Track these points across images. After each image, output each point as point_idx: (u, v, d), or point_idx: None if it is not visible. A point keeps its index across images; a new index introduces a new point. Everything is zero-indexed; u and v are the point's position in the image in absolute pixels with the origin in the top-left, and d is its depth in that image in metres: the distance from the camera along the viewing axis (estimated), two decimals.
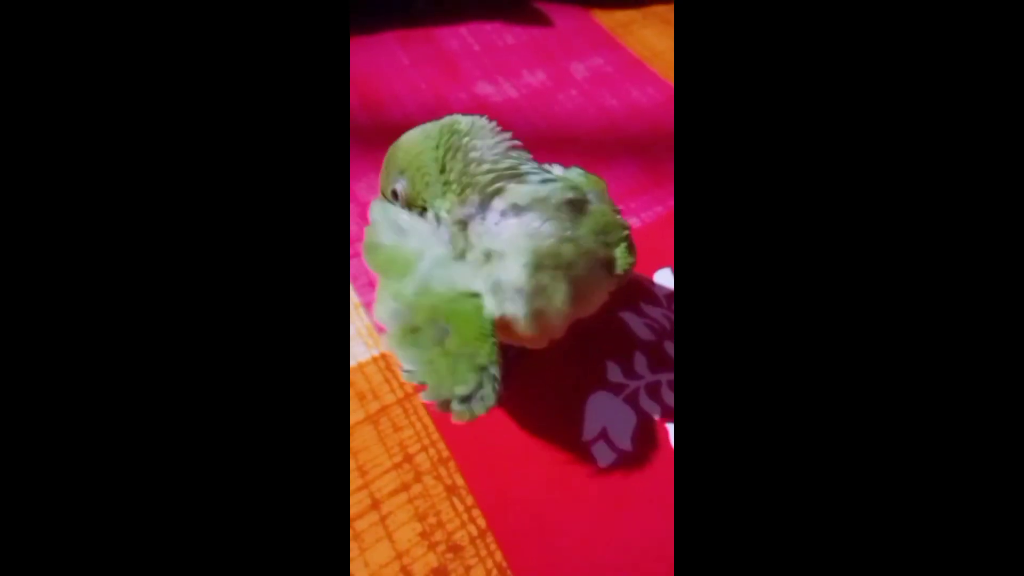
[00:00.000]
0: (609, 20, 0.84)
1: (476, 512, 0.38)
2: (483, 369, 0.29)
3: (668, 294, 0.52)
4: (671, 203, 0.60)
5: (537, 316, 0.32)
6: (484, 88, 0.70)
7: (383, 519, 0.37)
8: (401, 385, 0.43)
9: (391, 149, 0.36)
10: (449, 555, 0.36)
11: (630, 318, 0.50)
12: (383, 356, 0.45)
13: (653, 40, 0.81)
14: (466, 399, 0.29)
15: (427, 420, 0.42)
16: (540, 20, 0.82)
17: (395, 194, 0.35)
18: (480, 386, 0.29)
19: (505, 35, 0.78)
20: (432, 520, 0.37)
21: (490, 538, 0.37)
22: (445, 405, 0.30)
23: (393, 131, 0.63)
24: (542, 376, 0.45)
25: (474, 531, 0.37)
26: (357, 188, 0.57)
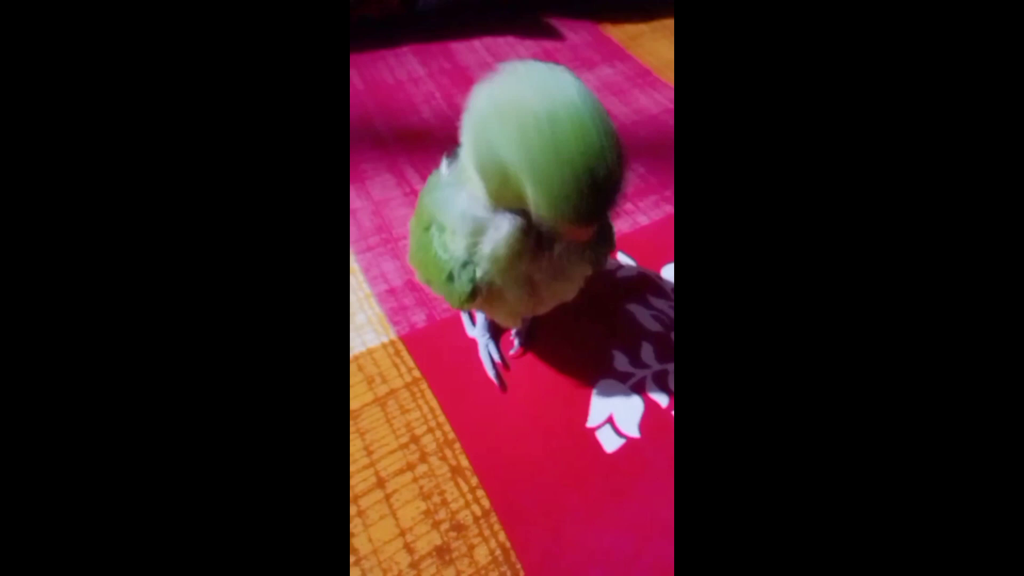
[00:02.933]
0: (619, 33, 0.86)
1: (480, 492, 0.38)
2: (454, 259, 0.33)
3: (674, 287, 0.52)
4: None
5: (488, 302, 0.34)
6: None
7: (388, 497, 0.37)
8: (409, 370, 0.44)
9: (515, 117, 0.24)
10: (452, 534, 0.36)
11: (637, 310, 0.50)
12: (392, 343, 0.46)
13: (662, 51, 0.83)
14: (448, 279, 0.33)
15: (434, 403, 0.42)
16: (552, 34, 0.85)
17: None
18: (453, 268, 0.32)
19: (518, 48, 0.81)
20: (436, 499, 0.38)
21: (494, 518, 0.37)
22: (439, 289, 0.34)
23: (406, 136, 0.66)
24: (549, 364, 0.45)
25: (478, 511, 0.37)
26: (371, 187, 0.59)
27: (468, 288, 0.32)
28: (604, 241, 0.36)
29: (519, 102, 0.24)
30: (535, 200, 0.24)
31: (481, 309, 0.36)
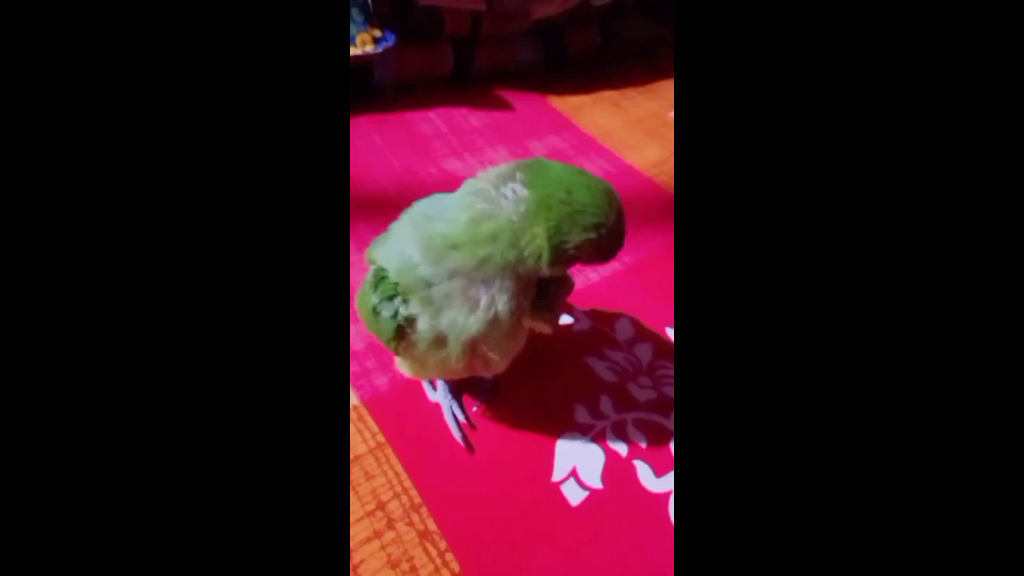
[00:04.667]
0: (563, 104, 0.93)
1: (450, 556, 0.38)
2: (380, 294, 0.35)
3: (627, 339, 0.55)
4: (626, 259, 0.64)
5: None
6: (452, 164, 0.76)
7: (355, 568, 0.37)
8: (373, 435, 0.44)
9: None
10: None
11: (595, 363, 0.52)
12: (354, 408, 0.46)
13: (603, 121, 0.90)
14: (374, 313, 0.35)
15: (399, 468, 0.42)
16: (502, 105, 0.91)
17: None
18: (379, 303, 0.35)
19: (471, 118, 0.86)
20: (405, 566, 0.37)
21: None
22: (369, 325, 0.37)
23: (365, 204, 0.68)
24: (513, 421, 0.47)
25: (448, 575, 0.37)
26: None
27: (392, 325, 0.35)
28: (547, 307, 0.38)
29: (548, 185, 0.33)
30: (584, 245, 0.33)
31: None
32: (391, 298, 0.34)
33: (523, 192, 0.32)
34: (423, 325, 0.34)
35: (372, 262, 0.38)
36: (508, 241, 0.32)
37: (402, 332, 0.35)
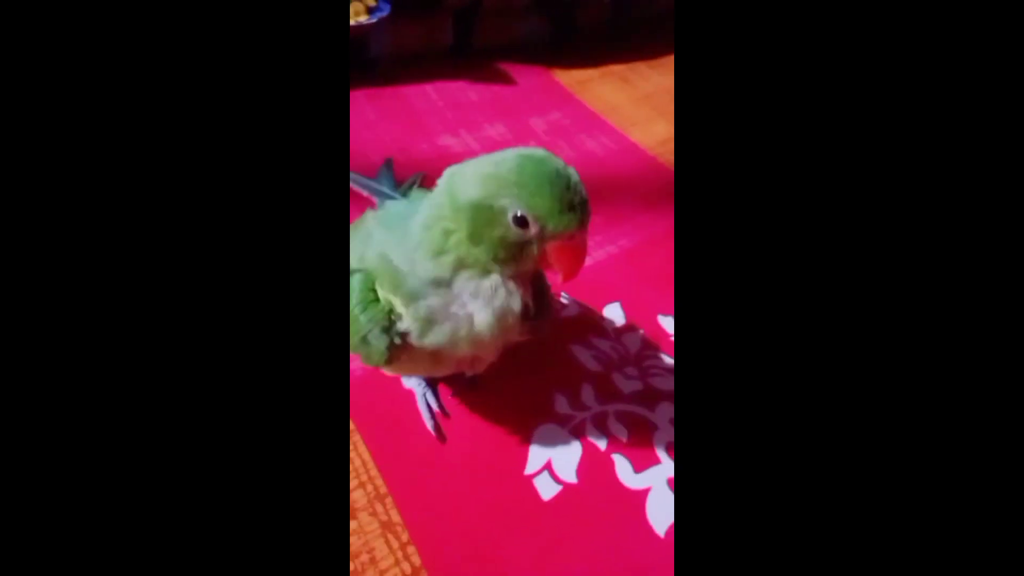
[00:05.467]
0: (568, 78, 0.89)
1: (411, 549, 0.37)
2: (371, 320, 0.33)
3: (616, 328, 0.52)
4: (621, 243, 0.62)
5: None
6: (446, 140, 0.74)
7: None
8: None
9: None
10: None
11: (579, 351, 0.50)
12: None
13: (609, 95, 0.86)
14: (364, 341, 0.33)
15: (366, 456, 0.41)
16: (503, 79, 0.88)
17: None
18: (370, 331, 0.33)
19: (469, 92, 0.83)
20: (364, 558, 0.36)
21: None
22: (356, 349, 0.34)
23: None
24: (489, 410, 0.45)
25: (408, 569, 0.36)
26: None
27: (383, 355, 0.33)
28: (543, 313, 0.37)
29: (507, 161, 0.31)
30: (542, 214, 0.30)
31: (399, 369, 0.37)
32: (385, 329, 0.33)
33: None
34: (415, 341, 0.33)
35: (352, 272, 0.34)
36: (446, 229, 0.31)
37: (394, 356, 0.33)
